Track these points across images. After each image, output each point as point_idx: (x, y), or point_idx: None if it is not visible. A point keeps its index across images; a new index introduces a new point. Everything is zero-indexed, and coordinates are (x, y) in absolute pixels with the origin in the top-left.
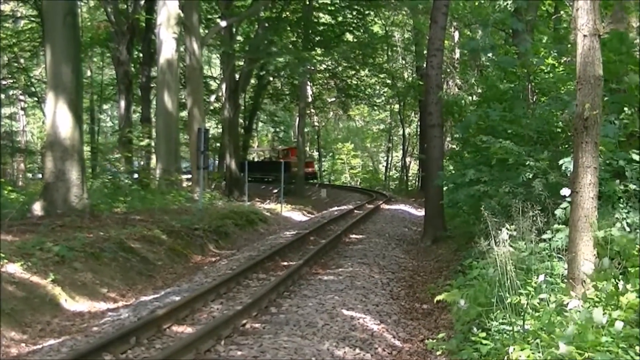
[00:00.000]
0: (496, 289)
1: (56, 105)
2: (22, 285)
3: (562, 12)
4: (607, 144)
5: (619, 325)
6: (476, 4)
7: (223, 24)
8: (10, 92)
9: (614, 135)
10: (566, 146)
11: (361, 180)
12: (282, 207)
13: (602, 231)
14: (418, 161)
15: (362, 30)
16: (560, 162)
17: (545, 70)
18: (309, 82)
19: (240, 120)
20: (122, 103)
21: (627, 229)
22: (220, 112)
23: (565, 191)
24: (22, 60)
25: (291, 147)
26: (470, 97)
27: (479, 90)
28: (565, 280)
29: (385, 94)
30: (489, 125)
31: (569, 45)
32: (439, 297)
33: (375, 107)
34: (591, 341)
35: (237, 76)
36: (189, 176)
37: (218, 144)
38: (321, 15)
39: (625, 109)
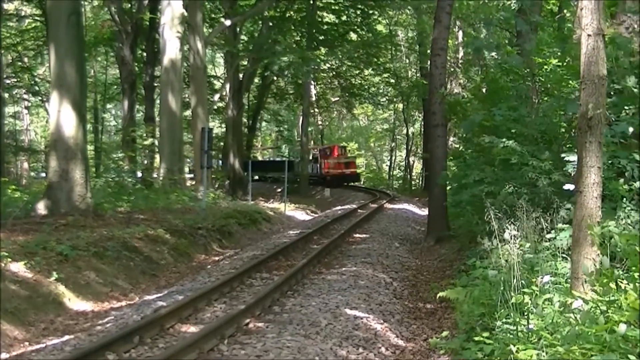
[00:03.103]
0: (500, 288)
1: (60, 105)
2: (26, 284)
3: (565, 12)
4: (609, 144)
5: (622, 327)
6: (480, 3)
7: (227, 23)
8: (14, 91)
9: (629, 134)
10: (569, 145)
11: (365, 179)
12: (286, 206)
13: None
14: (422, 160)
15: (366, 30)
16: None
17: (549, 70)
18: (312, 82)
19: (244, 120)
20: (126, 102)
21: (631, 228)
22: (224, 111)
23: (569, 186)
24: (26, 59)
25: (333, 145)
26: (471, 97)
27: (484, 90)
28: (569, 280)
29: (389, 93)
30: (492, 124)
31: (573, 44)
32: (440, 294)
33: (379, 106)
34: (594, 342)
35: (241, 75)
36: (193, 175)
37: (222, 144)
38: (325, 14)
39: (625, 108)
